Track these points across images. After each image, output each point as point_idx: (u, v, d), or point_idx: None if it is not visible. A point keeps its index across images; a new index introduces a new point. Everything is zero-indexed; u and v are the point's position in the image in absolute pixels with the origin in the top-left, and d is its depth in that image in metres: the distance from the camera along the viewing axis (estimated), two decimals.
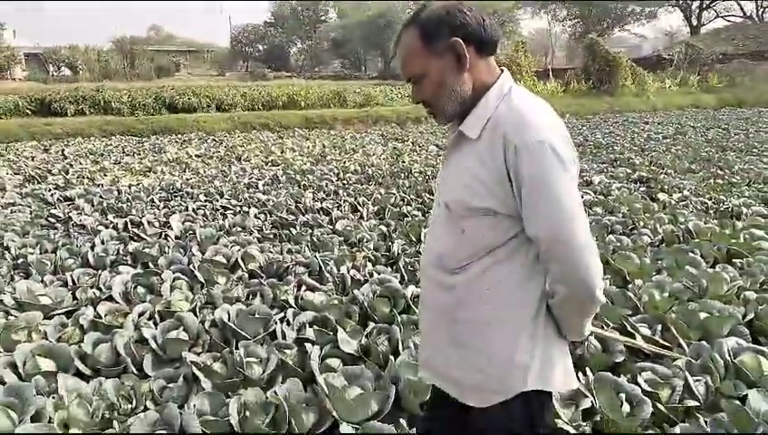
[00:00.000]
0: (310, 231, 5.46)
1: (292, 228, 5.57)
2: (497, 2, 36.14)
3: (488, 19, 1.47)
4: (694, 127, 15.46)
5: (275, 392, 2.57)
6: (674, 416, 2.50)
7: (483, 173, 1.40)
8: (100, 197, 7.07)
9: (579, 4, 42.34)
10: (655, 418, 2.48)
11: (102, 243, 4.96)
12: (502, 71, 1.52)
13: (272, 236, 5.43)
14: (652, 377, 2.70)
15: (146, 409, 2.56)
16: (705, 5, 44.54)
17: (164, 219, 5.87)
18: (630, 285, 3.86)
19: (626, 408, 2.47)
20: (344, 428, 2.35)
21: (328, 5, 50.19)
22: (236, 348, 2.97)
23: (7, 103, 17.00)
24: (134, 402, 2.61)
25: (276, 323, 3.29)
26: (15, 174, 9.19)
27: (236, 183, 8.06)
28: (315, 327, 3.27)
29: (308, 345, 3.02)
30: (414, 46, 1.47)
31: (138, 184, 8.27)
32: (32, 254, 4.62)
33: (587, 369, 2.70)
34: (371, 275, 4.08)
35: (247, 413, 2.42)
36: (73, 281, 4.08)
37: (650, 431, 2.38)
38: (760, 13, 45.02)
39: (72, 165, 10.09)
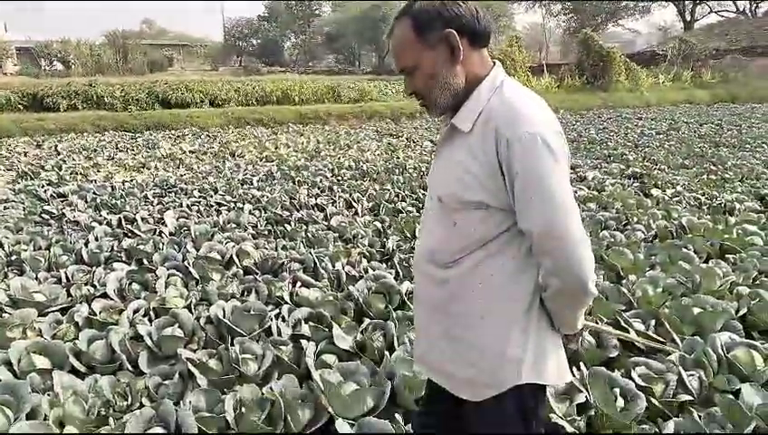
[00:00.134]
0: (304, 227, 5.46)
1: (286, 225, 5.56)
2: None
3: (481, 11, 1.47)
4: (687, 123, 15.51)
5: (271, 389, 2.57)
6: (668, 410, 2.52)
7: (475, 166, 1.41)
8: (94, 193, 7.05)
9: None
10: (649, 412, 2.50)
11: (96, 239, 4.95)
12: (494, 63, 1.52)
13: (266, 232, 5.43)
14: (646, 372, 2.72)
15: (141, 406, 2.55)
16: (698, 1, 44.62)
17: (158, 216, 5.86)
18: (624, 281, 3.88)
19: (620, 402, 2.48)
20: (340, 424, 2.36)
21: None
22: (232, 345, 2.97)
23: None
24: (129, 399, 2.61)
25: (271, 319, 3.29)
26: (8, 170, 9.16)
27: (231, 179, 8.04)
28: (310, 323, 3.28)
29: (303, 341, 3.02)
30: (407, 38, 1.46)
31: (131, 180, 8.24)
32: (25, 251, 4.60)
33: (581, 364, 2.71)
34: (366, 272, 4.08)
35: (243, 410, 2.42)
36: (68, 278, 4.07)
37: (644, 426, 2.40)
38: (753, 8, 45.15)
39: (65, 161, 10.04)
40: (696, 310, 3.28)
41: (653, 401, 2.52)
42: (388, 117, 18.77)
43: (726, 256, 4.41)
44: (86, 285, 3.93)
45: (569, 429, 2.34)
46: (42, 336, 3.20)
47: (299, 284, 3.90)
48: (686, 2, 44.40)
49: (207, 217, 5.94)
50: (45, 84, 19.10)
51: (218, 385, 2.69)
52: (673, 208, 5.90)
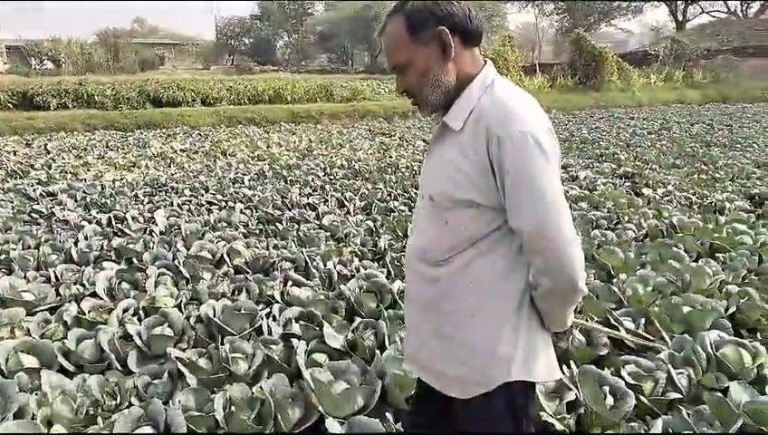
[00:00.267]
0: (296, 226, 5.45)
1: (278, 224, 5.55)
2: None
3: (474, 11, 1.47)
4: (679, 122, 15.60)
5: (261, 388, 2.56)
6: (657, 408, 2.53)
7: (466, 165, 1.41)
8: (84, 192, 7.00)
9: None
10: (638, 410, 2.51)
11: (86, 238, 4.92)
12: (485, 62, 1.52)
13: (258, 231, 5.41)
14: (635, 370, 2.72)
15: (130, 405, 2.54)
16: (690, 1, 44.86)
17: (148, 215, 5.83)
18: (615, 280, 3.90)
19: (609, 400, 2.49)
20: (330, 423, 2.35)
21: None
22: (222, 344, 2.96)
23: None
24: (118, 399, 2.60)
25: (262, 318, 3.28)
26: None
27: (222, 178, 8.01)
28: (301, 322, 3.27)
29: (294, 341, 3.01)
30: (399, 35, 1.46)
31: (122, 179, 8.20)
32: (14, 250, 4.57)
33: (571, 362, 2.72)
34: (358, 271, 4.08)
35: (233, 409, 2.41)
36: (57, 277, 4.04)
37: (633, 424, 2.41)
38: (744, 9, 45.47)
39: (54, 160, 9.97)
40: (686, 308, 3.30)
41: (642, 399, 2.53)
42: (380, 116, 18.76)
43: (716, 255, 4.44)
44: (75, 284, 3.90)
45: (558, 427, 2.34)
46: (30, 335, 3.18)
47: (290, 283, 3.89)
48: (678, 2, 44.63)
49: (198, 216, 5.92)
50: (35, 83, 18.94)
51: (208, 384, 2.68)
52: (664, 208, 5.93)
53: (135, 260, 4.36)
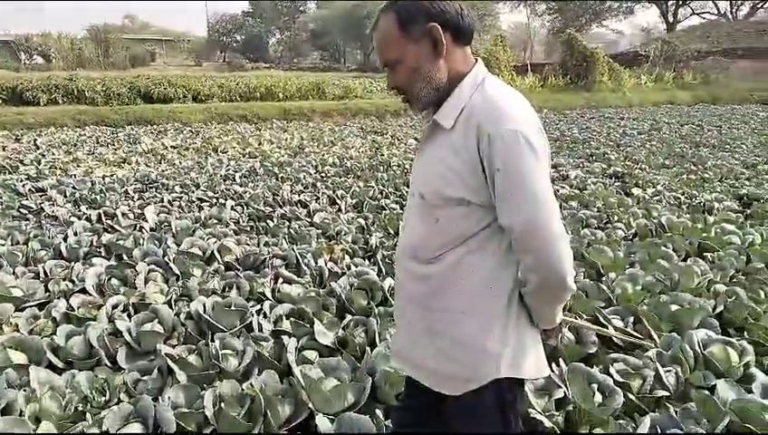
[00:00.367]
0: (287, 223, 5.45)
1: (269, 221, 5.54)
2: None
3: (466, 9, 1.48)
4: (668, 123, 15.69)
5: (251, 384, 2.56)
6: (644, 406, 2.55)
7: (456, 163, 1.41)
8: (74, 188, 6.96)
9: None
10: (626, 407, 2.52)
11: (75, 234, 4.89)
12: (476, 60, 1.52)
13: (248, 228, 5.40)
14: (624, 368, 2.74)
15: (119, 401, 2.53)
16: (680, 2, 45.13)
17: (139, 211, 5.81)
18: (604, 278, 3.92)
19: (598, 398, 2.51)
20: (320, 419, 2.36)
21: None
22: (212, 340, 2.95)
23: None
24: (108, 395, 2.58)
25: (253, 315, 3.28)
26: None
27: (213, 175, 7.98)
28: (292, 319, 3.27)
29: (285, 338, 3.01)
30: (391, 31, 1.46)
31: (112, 175, 8.14)
32: (2, 245, 4.54)
33: (560, 360, 2.74)
34: (349, 268, 4.08)
35: (223, 405, 2.41)
36: (46, 273, 4.02)
37: (621, 421, 2.42)
38: (734, 11, 45.81)
39: (44, 155, 9.90)
40: (674, 307, 3.32)
41: (630, 396, 2.55)
42: (372, 114, 18.73)
43: (704, 254, 4.47)
44: (64, 280, 3.88)
45: (547, 423, 2.35)
46: (19, 331, 3.15)
47: (281, 280, 3.89)
48: (669, 3, 44.89)
49: (189, 212, 5.90)
50: (25, 78, 18.74)
51: (198, 381, 2.68)
52: (653, 207, 5.97)
53: (125, 256, 4.34)
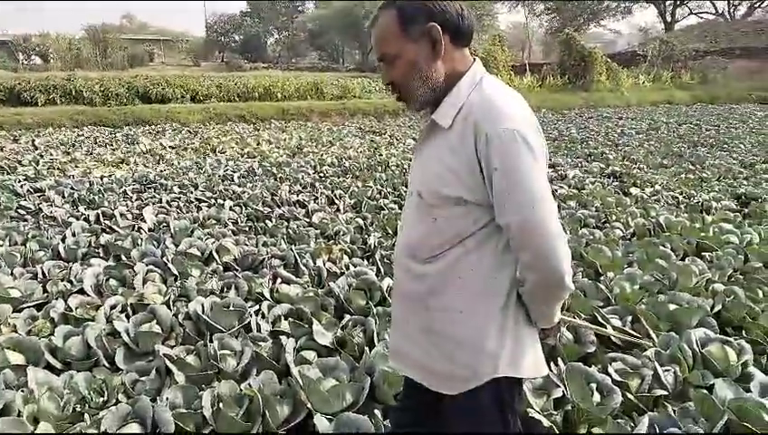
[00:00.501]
0: (286, 224, 5.44)
1: (267, 221, 5.54)
2: None
3: (467, 10, 1.48)
4: (666, 123, 15.71)
5: (250, 385, 2.56)
6: (643, 405, 2.55)
7: (454, 162, 1.41)
8: (72, 188, 6.95)
9: None
10: (624, 407, 2.52)
11: (74, 235, 4.88)
12: (474, 60, 1.52)
13: (247, 228, 5.40)
14: (622, 367, 2.75)
15: (117, 402, 2.52)
16: (678, 2, 45.17)
17: (137, 211, 5.80)
18: (602, 278, 3.92)
19: (596, 397, 2.51)
20: (318, 419, 2.35)
21: None
22: (211, 341, 2.95)
23: None
24: (106, 396, 2.58)
25: (251, 315, 3.27)
26: None
27: (211, 175, 7.98)
28: (290, 320, 3.26)
29: (283, 338, 3.01)
30: (390, 28, 1.46)
31: (110, 175, 8.14)
32: (1, 246, 4.53)
33: (559, 359, 2.74)
34: (347, 268, 4.08)
35: (221, 406, 2.40)
36: (44, 273, 4.01)
37: (620, 420, 2.42)
38: (731, 10, 45.84)
39: (42, 156, 9.89)
40: (672, 306, 3.32)
41: (629, 395, 2.55)
42: (371, 114, 18.74)
43: (703, 253, 4.47)
44: (62, 280, 3.88)
45: (546, 423, 2.35)
46: (17, 332, 3.15)
47: (279, 280, 3.89)
48: (667, 3, 44.93)
49: (187, 213, 5.90)
50: (23, 78, 18.72)
51: (196, 381, 2.67)
52: (651, 207, 5.98)
53: (123, 257, 4.33)
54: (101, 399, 2.56)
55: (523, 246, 1.40)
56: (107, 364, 2.88)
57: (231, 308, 3.27)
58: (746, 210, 6.01)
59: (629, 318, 3.29)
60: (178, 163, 9.22)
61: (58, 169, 8.68)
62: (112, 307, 3.38)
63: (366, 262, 4.34)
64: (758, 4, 44.29)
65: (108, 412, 2.35)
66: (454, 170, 1.42)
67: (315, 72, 32.76)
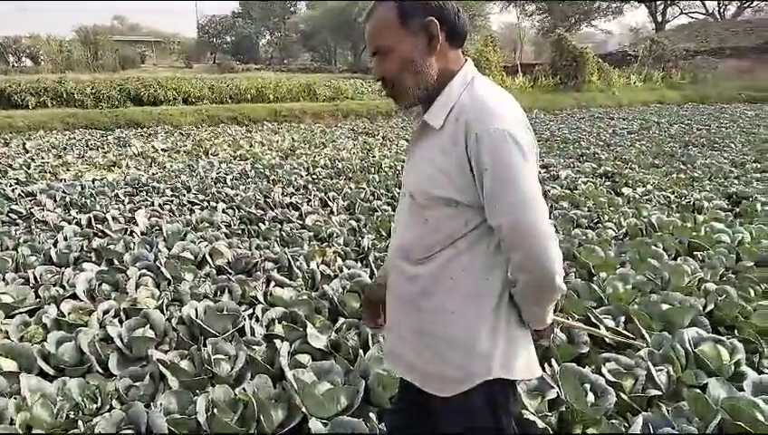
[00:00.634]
0: (279, 226, 5.43)
1: (260, 224, 5.52)
2: None
3: (462, 11, 1.48)
4: (658, 123, 15.77)
5: (244, 389, 2.55)
6: (637, 405, 2.56)
7: (445, 163, 1.42)
8: (63, 192, 6.90)
9: None
10: (618, 407, 2.54)
11: (65, 239, 4.85)
12: (465, 60, 1.53)
13: (240, 231, 5.38)
14: (616, 367, 2.76)
15: (111, 408, 2.52)
16: (669, 2, 45.44)
17: (129, 215, 5.77)
18: (595, 278, 3.94)
19: (590, 398, 2.52)
20: (313, 423, 2.35)
21: None
22: (204, 345, 2.94)
23: None
24: (99, 402, 2.57)
25: (245, 319, 3.27)
26: None
27: (204, 178, 7.95)
28: (284, 323, 3.26)
29: (277, 341, 3.01)
30: (389, 20, 1.46)
31: (102, 179, 8.10)
32: None
33: (552, 360, 2.75)
34: (341, 271, 4.07)
35: (215, 411, 2.40)
36: (36, 278, 3.99)
37: (614, 420, 2.43)
38: (721, 10, 46.18)
39: (33, 159, 9.83)
40: (665, 306, 3.34)
41: (623, 395, 2.56)
42: (363, 116, 18.72)
43: (694, 253, 4.50)
44: (55, 285, 3.86)
45: (540, 424, 2.36)
46: (9, 338, 3.13)
47: (273, 283, 3.88)
48: (658, 3, 45.18)
49: (180, 216, 5.87)
50: (13, 81, 18.62)
51: (190, 386, 2.66)
52: (643, 207, 6.01)
53: (116, 261, 4.32)
54: (95, 405, 2.54)
55: (515, 247, 1.40)
56: (100, 370, 2.87)
57: (225, 312, 3.26)
58: (737, 209, 6.05)
59: (622, 318, 3.31)
60: (171, 166, 9.19)
61: (49, 172, 8.63)
62: (105, 312, 3.37)
63: (360, 264, 4.33)
64: (747, 3, 44.63)
65: (101, 419, 2.34)
66: (445, 171, 1.42)
67: (308, 73, 32.78)
